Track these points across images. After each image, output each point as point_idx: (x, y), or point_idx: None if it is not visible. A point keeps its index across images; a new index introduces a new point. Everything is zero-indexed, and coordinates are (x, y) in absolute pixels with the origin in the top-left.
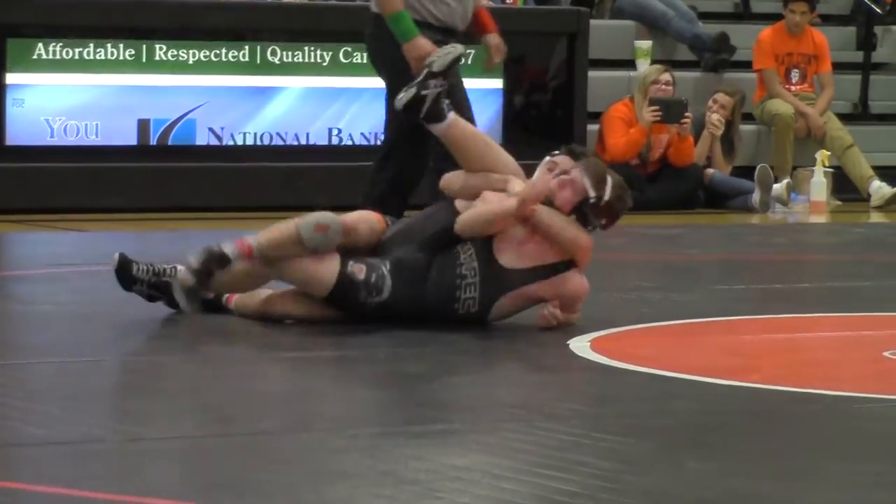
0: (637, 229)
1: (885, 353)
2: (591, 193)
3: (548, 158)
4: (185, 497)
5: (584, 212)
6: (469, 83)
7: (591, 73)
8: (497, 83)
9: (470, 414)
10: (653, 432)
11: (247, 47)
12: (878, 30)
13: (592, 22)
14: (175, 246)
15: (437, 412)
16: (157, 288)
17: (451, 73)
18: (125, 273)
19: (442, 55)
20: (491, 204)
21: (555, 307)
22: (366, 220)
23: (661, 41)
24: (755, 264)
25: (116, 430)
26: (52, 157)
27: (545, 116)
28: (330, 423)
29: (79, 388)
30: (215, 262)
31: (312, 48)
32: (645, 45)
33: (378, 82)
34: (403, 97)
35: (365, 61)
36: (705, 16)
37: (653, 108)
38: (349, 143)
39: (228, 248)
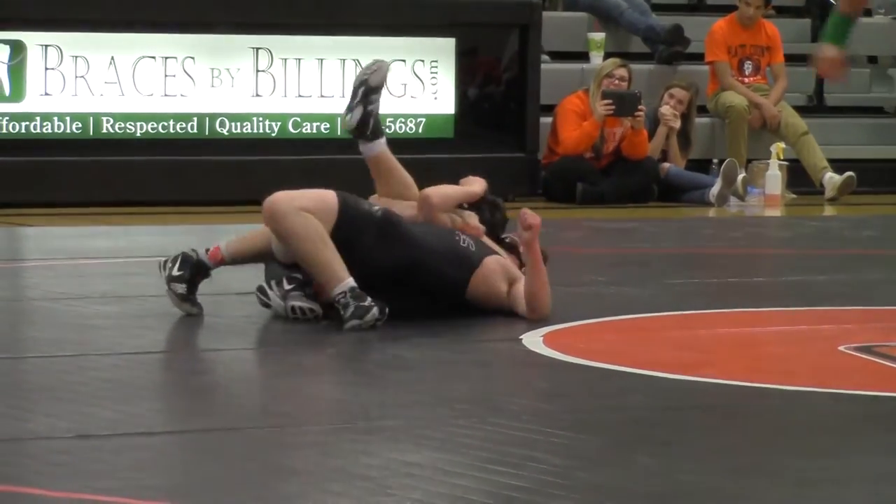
0: (591, 223)
1: (841, 348)
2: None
3: None
4: (134, 495)
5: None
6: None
7: (544, 66)
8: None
9: (421, 409)
10: (605, 428)
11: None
12: None
13: (545, 14)
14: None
15: (388, 408)
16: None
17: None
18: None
19: (376, 70)
20: None
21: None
22: (323, 200)
23: (615, 33)
24: (710, 258)
25: (64, 427)
26: None
27: (498, 109)
28: (279, 420)
29: (24, 386)
30: (196, 272)
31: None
32: (598, 37)
33: None
34: (353, 116)
35: None
36: (659, 7)
37: (606, 101)
38: None
39: (203, 257)
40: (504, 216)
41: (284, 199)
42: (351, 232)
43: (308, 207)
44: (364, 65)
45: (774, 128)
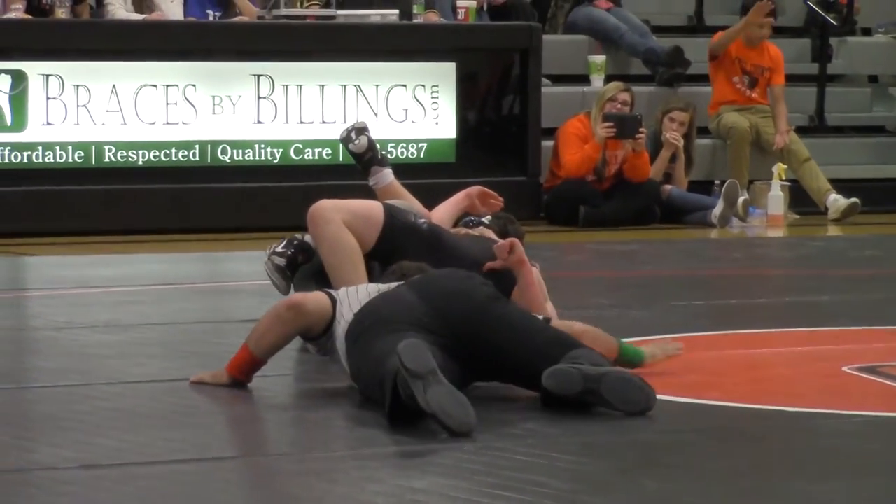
0: (594, 246)
1: (845, 368)
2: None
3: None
4: None
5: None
6: None
7: (545, 89)
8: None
9: (425, 435)
10: (610, 452)
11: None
12: (832, 41)
13: (545, 37)
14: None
15: (392, 434)
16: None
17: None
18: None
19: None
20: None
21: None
22: (368, 213)
23: (615, 56)
24: (713, 280)
25: (69, 457)
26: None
27: (499, 133)
28: (285, 448)
29: (29, 416)
30: (300, 251)
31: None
32: (598, 59)
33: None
34: (361, 142)
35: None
36: (658, 29)
37: (607, 123)
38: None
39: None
40: (519, 228)
41: (330, 208)
42: (395, 244)
43: (351, 221)
44: (348, 125)
45: (778, 152)
